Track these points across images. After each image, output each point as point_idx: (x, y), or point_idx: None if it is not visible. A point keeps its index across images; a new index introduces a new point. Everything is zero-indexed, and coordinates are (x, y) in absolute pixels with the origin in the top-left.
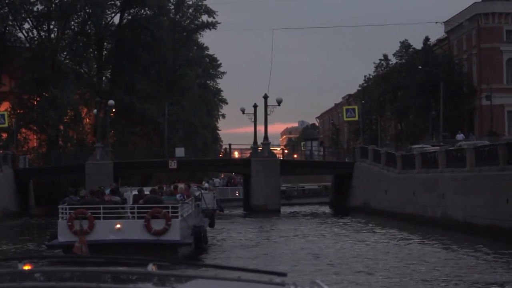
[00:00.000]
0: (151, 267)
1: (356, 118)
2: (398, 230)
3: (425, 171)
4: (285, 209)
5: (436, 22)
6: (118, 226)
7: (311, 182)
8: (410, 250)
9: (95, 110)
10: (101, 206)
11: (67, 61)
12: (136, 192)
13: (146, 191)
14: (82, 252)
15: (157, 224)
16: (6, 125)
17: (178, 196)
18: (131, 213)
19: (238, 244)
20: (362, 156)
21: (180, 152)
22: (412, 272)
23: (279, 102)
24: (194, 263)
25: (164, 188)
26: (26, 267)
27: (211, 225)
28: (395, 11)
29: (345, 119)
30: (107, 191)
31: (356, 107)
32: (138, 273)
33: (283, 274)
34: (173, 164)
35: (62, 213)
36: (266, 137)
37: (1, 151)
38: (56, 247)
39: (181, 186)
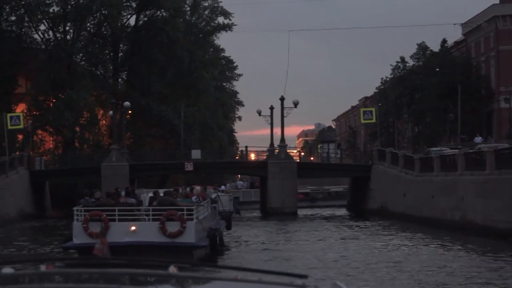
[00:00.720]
0: (172, 269)
1: (374, 120)
2: (417, 234)
3: (444, 174)
4: (303, 212)
5: (454, 24)
6: (133, 228)
7: (338, 185)
8: (431, 254)
9: (111, 112)
10: (116, 208)
11: (83, 62)
12: (152, 194)
13: (161, 193)
14: (103, 253)
15: (172, 226)
16: (21, 126)
17: (193, 198)
18: (146, 215)
19: (254, 247)
20: (379, 158)
21: (196, 154)
22: (436, 277)
23: (296, 104)
24: (214, 265)
25: (180, 190)
26: (47, 269)
27: (228, 227)
28: (412, 14)
29: (362, 121)
30: (123, 193)
31: (373, 109)
32: (160, 275)
33: (304, 276)
34: (189, 166)
35: (77, 215)
36: (282, 139)
37: (17, 153)
38: (71, 249)
39: (197, 188)
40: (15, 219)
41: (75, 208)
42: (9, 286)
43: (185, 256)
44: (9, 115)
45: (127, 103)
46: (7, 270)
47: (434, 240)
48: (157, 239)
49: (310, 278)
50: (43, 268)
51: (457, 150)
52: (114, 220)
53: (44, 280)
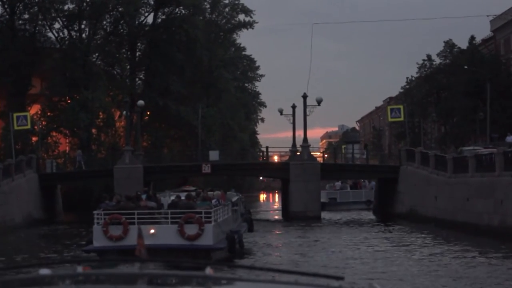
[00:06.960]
0: (208, 271)
1: (402, 119)
2: (453, 240)
3: (480, 175)
4: (325, 216)
5: (488, 16)
6: (152, 231)
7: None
8: (473, 264)
9: (125, 112)
10: (135, 211)
11: (99, 62)
12: (174, 198)
13: (183, 196)
14: (141, 255)
15: (190, 229)
16: (28, 126)
17: (213, 201)
18: (165, 218)
19: (276, 249)
20: (408, 159)
21: (214, 155)
22: None
23: (319, 102)
24: (251, 267)
25: (202, 193)
26: (84, 270)
27: (250, 229)
28: (439, 11)
29: (390, 119)
30: (144, 196)
31: (401, 106)
32: (196, 276)
33: (341, 278)
34: (206, 168)
35: (98, 218)
36: (305, 139)
37: (28, 155)
38: (91, 252)
39: (217, 192)
40: (21, 225)
41: (95, 212)
42: (46, 287)
43: (203, 259)
44: (15, 115)
45: (141, 102)
46: (45, 271)
47: (472, 247)
48: (175, 242)
49: (346, 280)
50: (79, 269)
51: (494, 149)
52: (133, 223)
53: (81, 281)
